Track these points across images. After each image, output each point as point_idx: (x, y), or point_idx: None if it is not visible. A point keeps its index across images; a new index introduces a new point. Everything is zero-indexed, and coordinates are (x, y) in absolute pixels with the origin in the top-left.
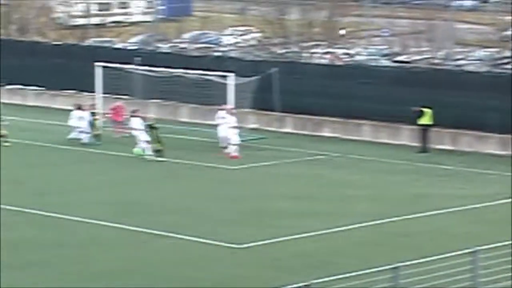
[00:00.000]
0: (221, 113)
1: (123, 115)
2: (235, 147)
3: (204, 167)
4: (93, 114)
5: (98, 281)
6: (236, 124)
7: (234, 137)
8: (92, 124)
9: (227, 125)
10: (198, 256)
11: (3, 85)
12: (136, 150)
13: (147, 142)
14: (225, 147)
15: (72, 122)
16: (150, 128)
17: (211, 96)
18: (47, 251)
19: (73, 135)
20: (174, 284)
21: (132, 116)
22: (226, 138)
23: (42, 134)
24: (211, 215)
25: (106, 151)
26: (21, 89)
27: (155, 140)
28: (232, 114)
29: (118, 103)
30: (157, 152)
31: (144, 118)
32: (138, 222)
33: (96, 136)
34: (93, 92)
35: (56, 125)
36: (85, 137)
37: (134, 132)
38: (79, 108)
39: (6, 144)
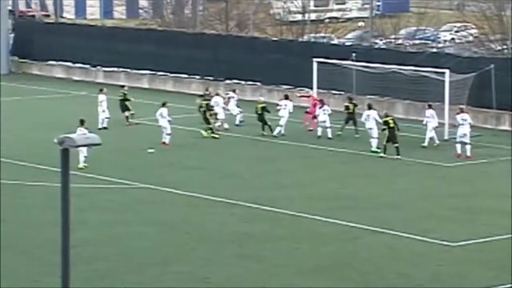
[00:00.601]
0: (428, 112)
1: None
2: (468, 146)
3: (420, 164)
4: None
5: (310, 275)
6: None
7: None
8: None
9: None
10: (411, 252)
11: (221, 80)
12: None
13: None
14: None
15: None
16: (385, 124)
17: (426, 93)
18: (261, 245)
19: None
20: (387, 279)
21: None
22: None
23: (256, 128)
24: (426, 212)
25: (324, 146)
26: (238, 83)
27: (394, 137)
28: (465, 112)
29: (311, 93)
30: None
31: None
32: (352, 218)
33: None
34: (308, 87)
35: (270, 119)
36: (327, 131)
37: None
38: (287, 97)
39: (215, 136)
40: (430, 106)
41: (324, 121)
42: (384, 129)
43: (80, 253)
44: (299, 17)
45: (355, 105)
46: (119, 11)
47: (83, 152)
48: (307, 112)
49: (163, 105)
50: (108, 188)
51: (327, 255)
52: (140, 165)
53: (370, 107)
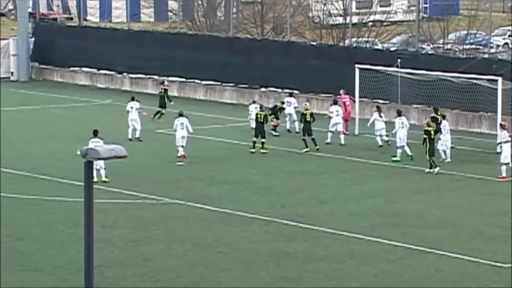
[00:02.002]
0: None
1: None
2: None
3: (469, 178)
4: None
5: None
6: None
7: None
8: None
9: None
10: (459, 274)
11: (256, 88)
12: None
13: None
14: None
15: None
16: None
17: (477, 102)
18: (298, 265)
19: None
20: None
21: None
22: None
23: (296, 139)
24: (477, 231)
25: (363, 159)
26: (273, 91)
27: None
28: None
29: (346, 97)
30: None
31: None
32: (396, 236)
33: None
34: (350, 95)
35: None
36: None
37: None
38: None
39: (263, 151)
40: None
41: (381, 129)
42: (425, 140)
43: (104, 273)
44: (340, 20)
45: (443, 116)
46: (147, 14)
47: (100, 165)
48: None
49: (180, 115)
50: (134, 203)
51: (369, 277)
52: (169, 179)
53: (400, 114)
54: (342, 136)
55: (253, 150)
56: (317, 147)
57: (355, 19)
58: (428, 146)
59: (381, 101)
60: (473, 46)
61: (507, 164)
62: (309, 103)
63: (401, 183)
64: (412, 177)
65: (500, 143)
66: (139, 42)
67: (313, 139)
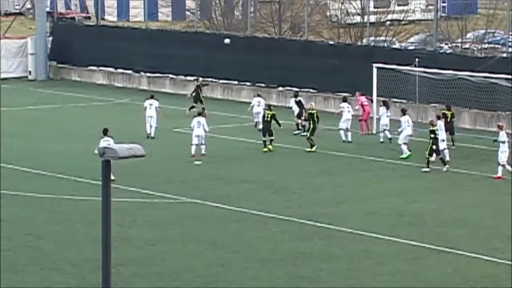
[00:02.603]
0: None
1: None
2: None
3: (487, 178)
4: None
5: None
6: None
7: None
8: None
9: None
10: (478, 274)
11: (273, 87)
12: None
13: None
14: None
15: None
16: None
17: (496, 101)
18: (316, 264)
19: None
20: None
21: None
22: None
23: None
24: (495, 230)
25: (381, 158)
26: (291, 90)
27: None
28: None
29: (362, 98)
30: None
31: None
32: (413, 236)
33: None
34: (367, 95)
35: (327, 129)
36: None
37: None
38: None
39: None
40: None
41: (385, 124)
42: (431, 139)
43: (121, 272)
44: (357, 19)
45: (452, 115)
46: (165, 13)
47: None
48: (361, 120)
49: (199, 114)
50: (152, 202)
51: (387, 277)
52: (186, 178)
53: (404, 113)
54: (349, 134)
55: (265, 150)
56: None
57: (372, 18)
58: (431, 145)
59: (399, 101)
60: (492, 45)
61: (503, 165)
62: (327, 102)
63: (418, 182)
64: (430, 176)
65: (496, 140)
66: (157, 41)
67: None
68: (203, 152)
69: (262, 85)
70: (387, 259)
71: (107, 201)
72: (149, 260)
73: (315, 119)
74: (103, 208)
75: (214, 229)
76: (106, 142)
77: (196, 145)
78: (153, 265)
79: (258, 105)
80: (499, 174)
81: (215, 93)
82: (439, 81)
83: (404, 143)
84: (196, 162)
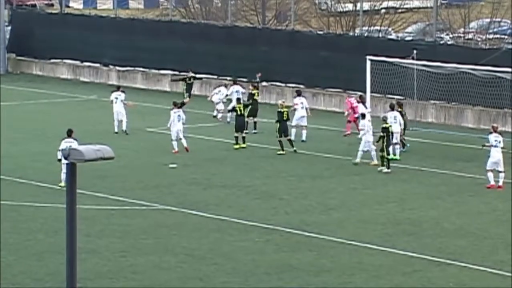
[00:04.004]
0: None
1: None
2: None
3: None
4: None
5: None
6: None
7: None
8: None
9: None
10: None
11: (256, 82)
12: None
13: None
14: None
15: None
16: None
17: (501, 97)
18: (303, 278)
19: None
20: None
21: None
22: None
23: (298, 140)
24: (501, 240)
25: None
26: (278, 86)
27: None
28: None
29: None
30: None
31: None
32: (411, 246)
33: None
34: (360, 90)
35: (317, 129)
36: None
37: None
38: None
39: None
40: None
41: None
42: (382, 137)
43: (88, 286)
44: (349, 6)
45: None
46: (136, 0)
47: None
48: (350, 121)
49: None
50: (122, 209)
51: None
52: (160, 183)
53: (393, 108)
54: (304, 132)
55: (236, 147)
56: (294, 148)
57: (366, 6)
58: (385, 143)
59: (395, 97)
60: (497, 36)
61: (492, 170)
62: (316, 99)
63: (417, 187)
64: (430, 180)
65: (484, 145)
66: (127, 31)
67: (290, 140)
68: (186, 145)
69: (244, 79)
70: (383, 272)
71: (72, 208)
72: (119, 273)
73: (285, 118)
74: (68, 216)
75: (191, 239)
76: (67, 144)
77: (180, 139)
78: (124, 279)
79: (237, 93)
80: (492, 183)
81: (192, 88)
82: (439, 75)
83: (395, 143)
84: (171, 165)
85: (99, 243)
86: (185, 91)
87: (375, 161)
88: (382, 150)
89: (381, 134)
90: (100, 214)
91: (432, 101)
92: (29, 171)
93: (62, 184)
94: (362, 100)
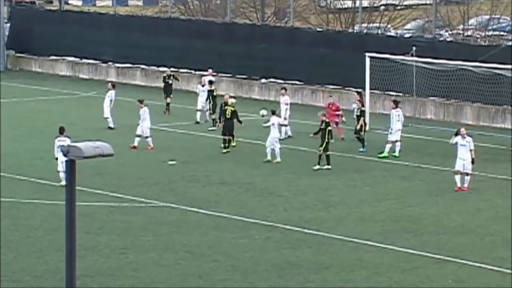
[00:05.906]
0: None
1: (339, 115)
2: None
3: (492, 179)
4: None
5: None
6: None
7: None
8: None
9: None
10: (482, 285)
11: (256, 79)
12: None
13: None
14: None
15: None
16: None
17: (501, 94)
18: (303, 275)
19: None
20: None
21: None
22: None
23: (300, 138)
24: (501, 237)
25: (374, 157)
26: (275, 83)
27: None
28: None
29: (331, 100)
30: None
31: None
32: (411, 243)
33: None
34: (359, 87)
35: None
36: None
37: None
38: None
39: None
40: None
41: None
42: (324, 132)
43: (88, 283)
44: (348, 3)
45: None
46: None
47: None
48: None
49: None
50: (122, 207)
51: None
52: (160, 180)
53: (397, 104)
54: (288, 128)
55: (225, 151)
56: (234, 143)
57: (365, 3)
58: (327, 140)
59: (395, 94)
60: (497, 33)
61: (459, 172)
62: (315, 96)
63: (417, 184)
64: (429, 177)
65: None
66: (126, 28)
67: (229, 139)
68: (151, 145)
69: (243, 76)
70: (383, 269)
71: (72, 205)
72: (119, 270)
73: (229, 116)
74: (68, 213)
75: (190, 236)
76: (61, 142)
77: (146, 137)
78: (124, 276)
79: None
80: (458, 185)
81: (190, 85)
82: (439, 72)
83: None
84: (170, 162)
85: (99, 240)
86: (163, 92)
87: (279, 159)
88: (322, 147)
89: (321, 127)
90: (100, 211)
91: (431, 98)
92: (29, 169)
93: (63, 183)
94: (360, 97)
